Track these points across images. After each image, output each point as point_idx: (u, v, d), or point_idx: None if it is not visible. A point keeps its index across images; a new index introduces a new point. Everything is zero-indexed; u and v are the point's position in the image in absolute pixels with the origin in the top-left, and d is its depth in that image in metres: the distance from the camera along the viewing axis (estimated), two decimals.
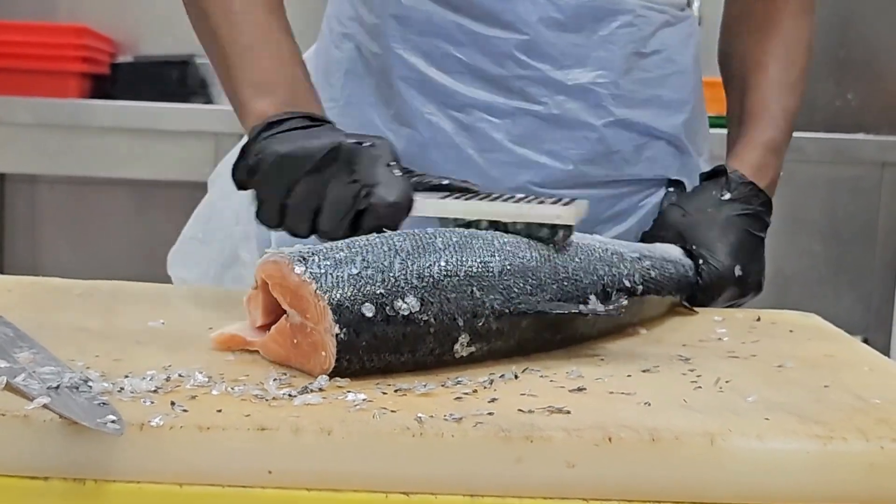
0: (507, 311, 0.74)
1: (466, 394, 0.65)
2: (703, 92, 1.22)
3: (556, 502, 0.58)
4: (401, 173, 0.85)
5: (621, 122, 1.11)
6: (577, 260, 0.81)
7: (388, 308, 0.69)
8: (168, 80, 2.71)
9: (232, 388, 0.64)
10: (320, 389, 0.65)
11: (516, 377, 0.70)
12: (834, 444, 0.59)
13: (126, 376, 0.64)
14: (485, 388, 0.67)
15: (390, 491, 0.57)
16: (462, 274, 0.73)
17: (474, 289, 0.73)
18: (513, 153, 1.09)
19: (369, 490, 0.57)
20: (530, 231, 0.80)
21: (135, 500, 0.56)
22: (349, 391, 0.64)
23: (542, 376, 0.71)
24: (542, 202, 0.83)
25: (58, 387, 0.60)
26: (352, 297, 0.69)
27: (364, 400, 0.63)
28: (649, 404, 0.64)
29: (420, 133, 1.10)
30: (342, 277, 0.69)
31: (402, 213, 0.84)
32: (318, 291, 0.68)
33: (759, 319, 0.95)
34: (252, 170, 0.89)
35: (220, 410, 0.60)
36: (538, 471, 0.58)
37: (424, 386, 0.66)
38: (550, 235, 0.81)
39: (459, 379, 0.68)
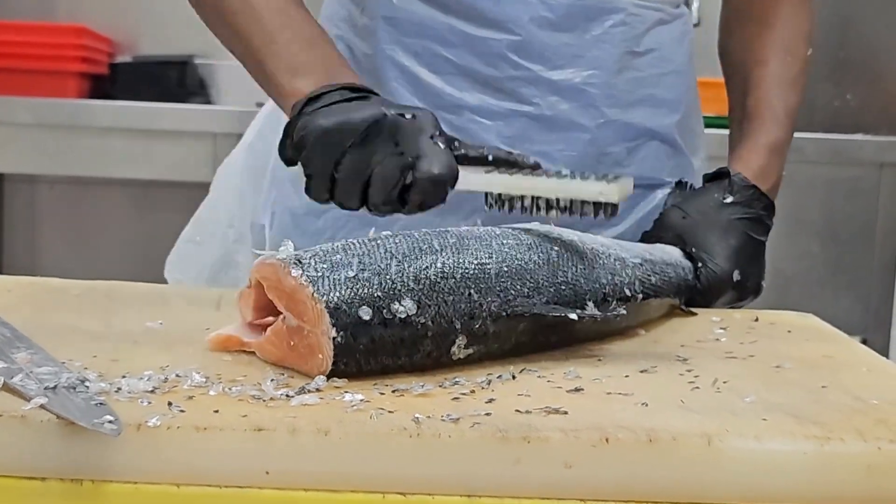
0: (504, 313, 0.74)
1: (464, 394, 0.65)
2: (697, 90, 1.21)
3: (553, 503, 0.58)
4: (444, 145, 0.86)
5: (614, 123, 1.11)
6: (579, 266, 0.80)
7: (384, 311, 0.69)
8: (167, 80, 2.71)
9: (229, 389, 0.64)
10: (317, 390, 0.65)
11: (514, 378, 0.70)
12: (832, 444, 0.59)
13: (123, 376, 0.64)
14: (482, 388, 0.67)
15: (387, 491, 0.57)
16: (459, 276, 0.73)
17: (471, 291, 0.73)
18: None
19: (367, 490, 0.57)
20: (573, 208, 0.81)
21: (132, 500, 0.56)
22: (346, 392, 0.64)
23: (539, 377, 0.71)
24: (587, 178, 0.83)
25: (55, 387, 0.60)
26: (349, 301, 0.68)
27: (361, 400, 0.63)
28: (647, 405, 0.64)
29: None
30: (339, 280, 0.69)
31: (446, 186, 0.85)
32: (314, 295, 0.68)
33: (757, 320, 0.95)
34: (298, 146, 0.89)
35: (217, 411, 0.60)
36: (536, 471, 0.58)
37: (422, 386, 0.66)
38: (594, 212, 0.81)
39: (457, 379, 0.68)
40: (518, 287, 0.75)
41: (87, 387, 0.61)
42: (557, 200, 0.82)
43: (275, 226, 1.20)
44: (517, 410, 0.62)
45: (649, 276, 0.88)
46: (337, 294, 0.68)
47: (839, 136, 2.55)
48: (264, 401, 0.62)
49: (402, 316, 0.69)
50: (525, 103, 1.09)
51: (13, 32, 2.60)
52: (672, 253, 0.98)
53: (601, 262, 0.82)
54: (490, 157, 0.88)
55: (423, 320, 0.70)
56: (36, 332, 0.74)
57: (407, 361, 0.70)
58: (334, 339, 0.68)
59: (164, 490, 0.56)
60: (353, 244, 0.73)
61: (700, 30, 1.28)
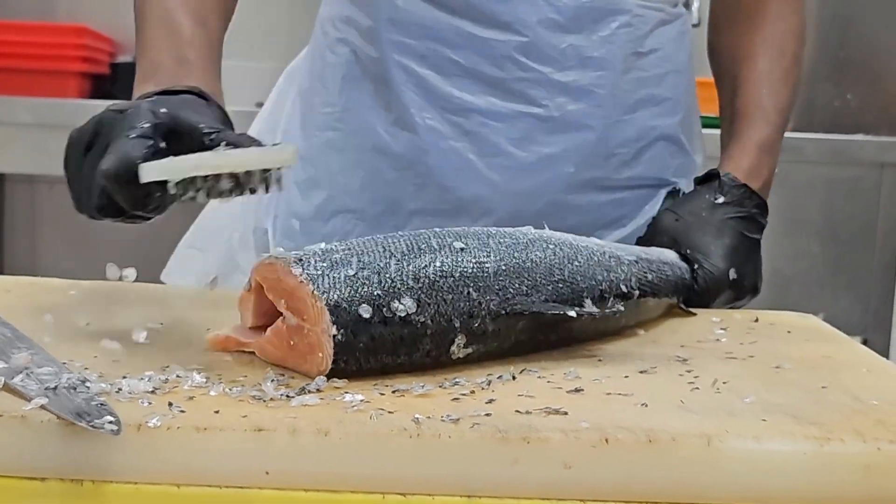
0: (503, 311, 0.74)
1: (464, 395, 0.65)
2: (696, 89, 1.21)
3: (553, 503, 0.58)
4: (145, 138, 0.77)
5: (621, 123, 1.11)
6: (575, 263, 0.80)
7: (384, 309, 0.69)
8: None
9: (229, 389, 0.64)
10: (318, 390, 0.65)
11: (514, 378, 0.70)
12: (831, 445, 0.59)
13: (124, 377, 0.64)
14: (482, 389, 0.67)
15: (387, 492, 0.57)
16: (458, 275, 0.73)
17: (470, 290, 0.73)
18: (513, 157, 1.09)
19: (366, 491, 0.57)
20: (250, 183, 0.75)
21: (132, 500, 0.56)
22: (346, 392, 0.64)
23: (539, 377, 0.71)
24: (259, 147, 0.77)
25: (56, 387, 0.60)
26: (349, 299, 0.69)
27: (361, 401, 0.63)
28: (646, 405, 0.64)
29: (420, 137, 1.10)
30: (339, 279, 0.69)
31: (120, 182, 0.76)
32: (315, 292, 0.68)
33: (757, 320, 0.95)
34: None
35: (217, 411, 0.60)
36: (535, 472, 0.58)
37: (422, 387, 0.66)
38: (264, 182, 0.75)
39: (457, 380, 0.68)
40: (516, 285, 0.75)
41: (88, 387, 0.61)
42: (237, 179, 0.74)
43: (279, 230, 1.20)
44: (517, 411, 0.62)
45: (645, 273, 0.88)
46: (337, 292, 0.69)
47: (839, 137, 2.55)
48: (264, 401, 0.62)
49: (402, 314, 0.70)
50: (533, 105, 1.09)
51: (13, 32, 2.59)
52: (668, 254, 0.98)
53: (597, 259, 0.83)
54: (207, 142, 0.79)
55: (422, 319, 0.70)
56: (36, 333, 0.74)
57: (407, 360, 0.70)
58: (335, 336, 0.68)
59: (165, 490, 0.56)
60: (353, 243, 0.73)
61: (700, 30, 1.28)
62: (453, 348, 0.72)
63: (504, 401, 0.64)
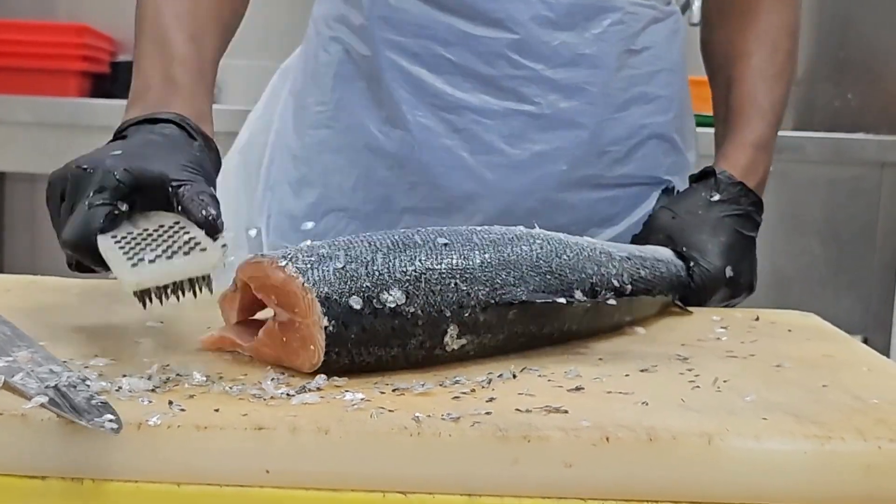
0: (492, 301, 0.74)
1: (464, 393, 0.65)
2: (689, 87, 1.21)
3: (553, 502, 0.58)
4: (105, 205, 0.76)
5: (613, 121, 1.11)
6: (563, 257, 0.80)
7: (374, 301, 0.70)
8: None
9: (230, 388, 0.64)
10: (318, 389, 0.65)
11: (514, 377, 0.70)
12: (832, 444, 0.59)
13: (124, 375, 0.64)
14: (483, 387, 0.67)
15: (388, 490, 0.57)
16: (443, 267, 0.73)
17: (457, 281, 0.73)
18: (505, 154, 1.09)
19: (367, 490, 0.57)
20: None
21: (133, 499, 0.56)
22: (347, 391, 0.64)
23: (540, 375, 0.71)
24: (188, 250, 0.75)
25: (56, 386, 0.60)
26: (339, 290, 0.69)
27: (362, 399, 0.63)
28: (647, 404, 0.64)
29: (412, 135, 1.10)
30: (328, 271, 0.70)
31: (80, 251, 0.76)
32: (305, 284, 0.69)
33: (757, 319, 0.95)
34: None
35: (217, 410, 0.60)
36: (535, 470, 0.58)
37: (422, 385, 0.66)
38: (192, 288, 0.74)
39: (457, 378, 0.68)
40: (503, 276, 0.75)
41: (88, 386, 0.61)
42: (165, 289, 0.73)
43: (271, 229, 1.20)
44: (517, 409, 0.62)
45: (638, 269, 0.88)
46: (327, 284, 0.69)
47: (840, 136, 2.55)
48: (265, 400, 0.62)
49: (392, 305, 0.70)
50: (525, 102, 1.09)
51: (14, 31, 2.59)
52: (663, 252, 0.98)
53: (587, 254, 0.83)
54: (171, 193, 0.77)
55: (412, 310, 0.71)
56: (36, 331, 0.74)
57: (401, 352, 0.71)
58: (326, 328, 0.68)
59: (165, 489, 0.56)
60: (338, 241, 0.73)
61: (698, 28, 1.28)
62: (446, 339, 0.72)
63: (504, 399, 0.64)
